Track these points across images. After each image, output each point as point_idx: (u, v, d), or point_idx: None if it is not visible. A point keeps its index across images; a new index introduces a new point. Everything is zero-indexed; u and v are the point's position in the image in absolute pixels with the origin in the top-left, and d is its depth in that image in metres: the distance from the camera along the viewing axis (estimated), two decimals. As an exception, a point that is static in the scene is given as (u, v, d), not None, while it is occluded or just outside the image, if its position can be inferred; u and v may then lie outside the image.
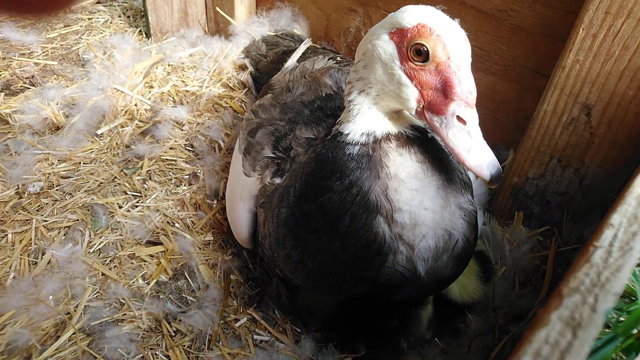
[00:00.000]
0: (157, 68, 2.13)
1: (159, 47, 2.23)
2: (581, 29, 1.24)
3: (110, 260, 1.43)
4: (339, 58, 1.61)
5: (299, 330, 1.32)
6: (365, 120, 0.97)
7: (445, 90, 0.84)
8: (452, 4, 1.61)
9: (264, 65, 2.03)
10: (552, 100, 1.36)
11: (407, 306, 1.28)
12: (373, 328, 1.30)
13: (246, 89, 2.05)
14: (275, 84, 1.51)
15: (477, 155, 0.83)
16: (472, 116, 0.84)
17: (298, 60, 1.82)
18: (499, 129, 1.70)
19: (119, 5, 2.83)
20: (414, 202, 0.92)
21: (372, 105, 0.96)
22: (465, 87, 0.84)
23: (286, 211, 1.06)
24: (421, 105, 0.88)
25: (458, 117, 0.84)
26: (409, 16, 0.87)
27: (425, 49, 0.84)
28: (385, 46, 0.89)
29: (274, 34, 2.21)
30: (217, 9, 2.36)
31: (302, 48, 1.90)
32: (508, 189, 1.58)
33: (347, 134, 0.97)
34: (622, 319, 1.00)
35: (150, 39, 2.43)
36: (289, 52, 1.99)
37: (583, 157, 1.39)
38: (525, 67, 1.55)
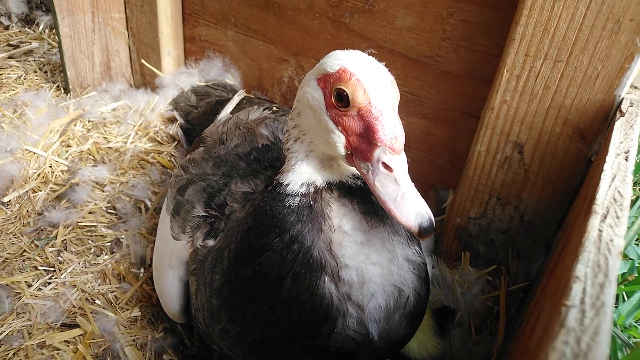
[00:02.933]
0: (75, 125, 1.96)
1: (77, 102, 2.07)
2: (505, 71, 1.28)
3: (13, 354, 1.20)
4: (274, 108, 1.56)
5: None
6: (304, 170, 0.91)
7: (369, 136, 0.80)
8: (380, 52, 1.64)
9: (196, 117, 1.93)
10: (484, 140, 1.38)
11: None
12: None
13: (176, 142, 1.93)
14: (207, 136, 1.42)
15: (404, 204, 0.76)
16: (399, 163, 0.79)
17: (232, 112, 1.75)
18: (436, 170, 1.71)
19: (34, 61, 2.65)
20: (360, 257, 0.85)
21: (308, 152, 0.91)
22: (389, 132, 0.79)
23: (220, 277, 0.94)
24: (349, 152, 0.84)
25: (384, 164, 0.79)
26: (332, 61, 0.84)
27: (346, 94, 0.80)
28: (314, 92, 0.86)
29: (204, 84, 2.13)
30: (143, 61, 2.26)
31: (236, 99, 1.83)
32: (452, 230, 1.56)
33: (287, 185, 0.91)
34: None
35: (69, 94, 2.26)
36: (222, 103, 1.91)
37: (520, 194, 1.40)
38: (455, 110, 1.58)
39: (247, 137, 1.26)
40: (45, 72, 2.55)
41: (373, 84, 0.81)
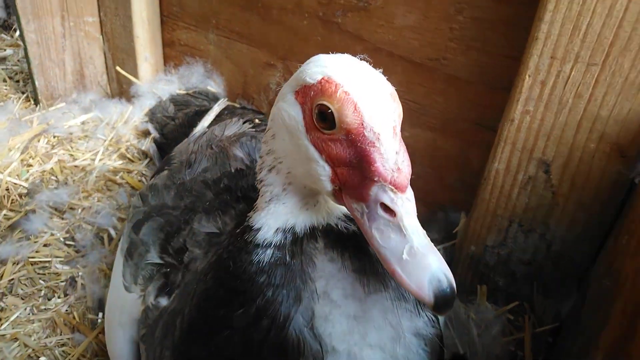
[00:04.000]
0: (39, 141, 1.76)
1: (42, 115, 1.87)
2: (527, 76, 1.07)
3: None
4: (257, 120, 1.35)
5: None
6: (280, 209, 0.71)
7: (363, 168, 0.61)
8: (378, 55, 1.43)
9: (172, 130, 1.73)
10: (503, 157, 1.17)
11: None
12: None
13: (148, 159, 1.73)
14: (175, 156, 1.21)
15: (414, 265, 0.56)
16: (405, 204, 0.60)
17: (212, 124, 1.54)
18: (445, 189, 1.49)
19: (5, 69, 2.45)
20: (353, 338, 0.63)
21: (286, 185, 0.71)
22: (390, 162, 0.60)
23: (170, 355, 0.72)
24: (337, 187, 0.64)
25: (384, 206, 0.59)
26: (313, 68, 0.65)
27: (330, 112, 0.61)
28: (290, 109, 0.66)
29: (184, 92, 1.93)
30: (118, 68, 2.06)
31: (216, 109, 1.63)
32: (466, 260, 1.35)
33: (258, 230, 0.71)
34: None
35: (38, 106, 2.06)
36: (201, 113, 1.71)
37: (547, 221, 1.19)
38: (466, 120, 1.37)
39: (218, 159, 1.05)
40: (17, 81, 2.35)
41: (366, 98, 0.61)
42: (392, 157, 0.60)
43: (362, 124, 0.60)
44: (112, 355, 0.96)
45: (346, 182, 0.62)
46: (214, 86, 1.94)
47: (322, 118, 0.62)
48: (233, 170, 1.01)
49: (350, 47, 1.49)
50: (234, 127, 1.24)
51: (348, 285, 0.66)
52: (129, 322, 0.90)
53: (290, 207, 0.71)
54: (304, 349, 0.62)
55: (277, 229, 0.70)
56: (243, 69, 1.85)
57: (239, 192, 0.96)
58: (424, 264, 0.56)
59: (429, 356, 0.69)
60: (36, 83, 2.05)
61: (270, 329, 0.63)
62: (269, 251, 0.67)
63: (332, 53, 0.72)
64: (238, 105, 1.85)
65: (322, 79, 0.62)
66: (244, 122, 1.28)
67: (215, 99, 1.89)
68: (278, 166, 0.71)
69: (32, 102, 2.12)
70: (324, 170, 0.64)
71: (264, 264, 0.66)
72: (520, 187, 1.18)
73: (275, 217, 0.71)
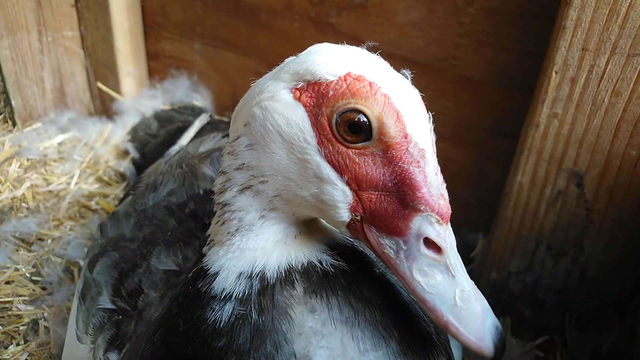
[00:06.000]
0: (10, 165, 1.61)
1: (15, 137, 1.73)
2: (554, 73, 0.91)
3: None
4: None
5: None
6: (249, 244, 0.57)
7: (403, 193, 0.51)
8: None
9: (152, 149, 1.58)
10: (527, 168, 1.01)
11: None
12: None
13: (126, 182, 1.58)
14: (143, 178, 1.06)
15: (470, 311, 0.49)
16: (450, 238, 0.53)
17: (192, 142, 1.39)
18: (459, 206, 1.31)
19: (-17, 89, 2.32)
20: None
21: (266, 212, 0.57)
22: (434, 186, 0.53)
23: None
24: (359, 217, 0.53)
25: (427, 242, 0.50)
26: (329, 60, 0.51)
27: (366, 121, 0.49)
28: (288, 112, 0.52)
29: (169, 108, 1.78)
30: (99, 84, 1.92)
31: (197, 125, 1.48)
32: (487, 288, 1.18)
33: (215, 276, 0.56)
34: None
35: (16, 126, 1.92)
36: (184, 130, 1.56)
37: (581, 242, 1.02)
38: (480, 128, 1.21)
39: (186, 180, 0.89)
40: (-3, 101, 2.22)
41: (407, 104, 0.51)
42: (434, 180, 0.51)
43: (406, 137, 0.50)
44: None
45: (375, 211, 0.51)
46: (201, 100, 1.80)
47: (353, 128, 0.50)
48: (201, 192, 0.86)
49: (345, 50, 1.34)
50: (210, 142, 1.09)
51: (336, 342, 0.51)
52: (79, 382, 0.74)
53: (264, 241, 0.56)
54: None
55: (239, 274, 0.54)
56: (231, 80, 1.71)
57: (207, 217, 0.80)
58: (477, 309, 0.49)
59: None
60: (13, 102, 1.92)
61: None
62: (229, 306, 0.52)
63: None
64: (226, 120, 1.70)
65: (348, 75, 0.50)
66: (223, 137, 1.12)
67: (201, 113, 1.75)
68: (258, 187, 0.56)
69: (10, 123, 1.99)
70: (343, 196, 0.51)
71: (222, 323, 0.50)
72: (548, 203, 1.02)
73: (239, 257, 0.56)
